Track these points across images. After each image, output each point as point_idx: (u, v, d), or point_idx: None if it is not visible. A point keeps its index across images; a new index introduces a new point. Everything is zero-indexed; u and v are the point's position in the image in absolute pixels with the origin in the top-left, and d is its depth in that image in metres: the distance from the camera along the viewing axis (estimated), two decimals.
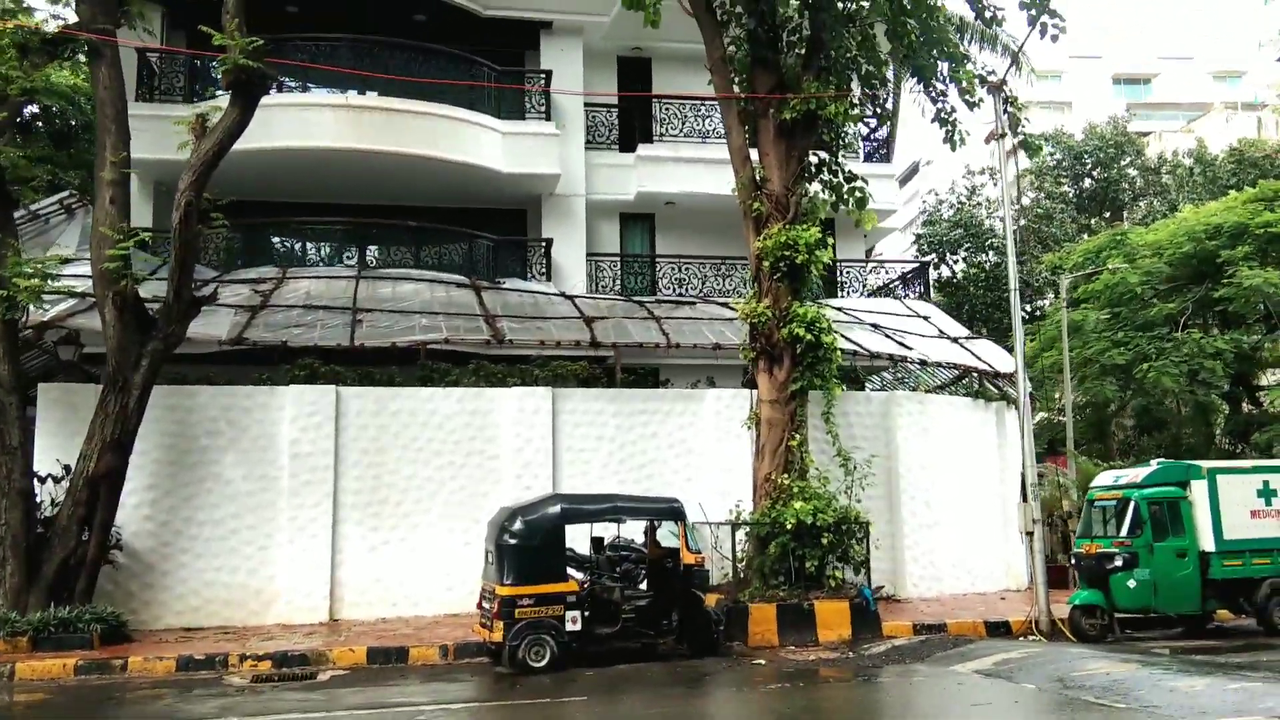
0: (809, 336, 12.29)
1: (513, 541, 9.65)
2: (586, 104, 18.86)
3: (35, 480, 11.35)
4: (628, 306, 16.16)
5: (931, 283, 33.27)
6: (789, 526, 11.44)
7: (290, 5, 17.94)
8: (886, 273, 21.12)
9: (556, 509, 9.96)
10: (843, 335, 15.15)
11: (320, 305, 13.98)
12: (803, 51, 13.56)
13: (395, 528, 12.80)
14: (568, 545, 11.52)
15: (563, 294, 16.36)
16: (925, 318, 18.12)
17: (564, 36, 18.79)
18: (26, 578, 10.74)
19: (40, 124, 25.04)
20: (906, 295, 20.08)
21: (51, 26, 12.13)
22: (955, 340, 17.17)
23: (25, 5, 12.14)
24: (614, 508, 10.60)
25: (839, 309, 17.55)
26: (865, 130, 20.77)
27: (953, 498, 14.72)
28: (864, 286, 20.32)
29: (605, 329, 14.47)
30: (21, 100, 11.61)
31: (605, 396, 13.79)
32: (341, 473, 12.72)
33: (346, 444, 12.78)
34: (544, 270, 17.53)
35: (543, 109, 17.96)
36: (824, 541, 11.45)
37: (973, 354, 16.56)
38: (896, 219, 24.40)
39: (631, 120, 19.68)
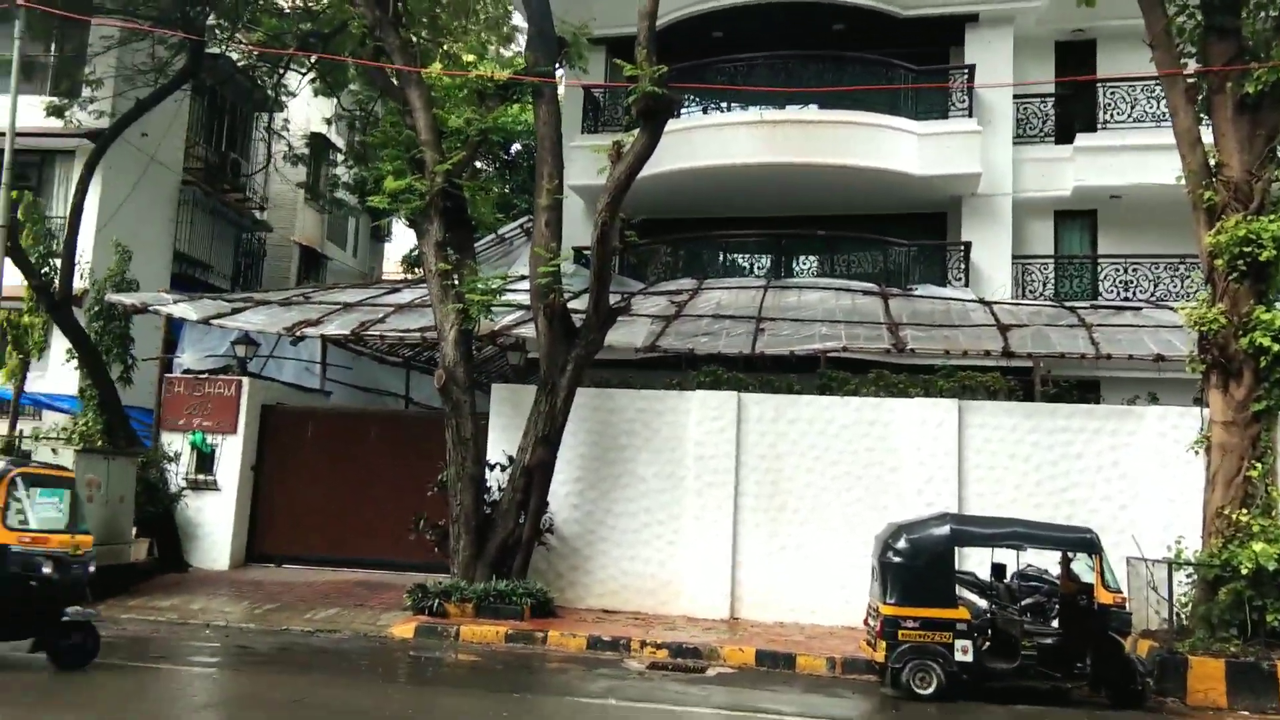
0: (1277, 347, 10.26)
1: (896, 560, 9.20)
2: (1017, 95, 17.53)
3: (486, 468, 13.04)
4: (1056, 313, 14.70)
5: None
6: (1244, 571, 9.61)
7: (715, 31, 18.83)
8: None
9: (945, 530, 9.31)
10: None
11: (727, 315, 14.48)
12: (1274, 13, 11.39)
13: (792, 534, 12.83)
14: (971, 570, 10.80)
15: (980, 300, 15.31)
16: None
17: (992, 27, 17.61)
18: (475, 552, 12.33)
19: (523, 161, 29.05)
20: None
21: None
22: None
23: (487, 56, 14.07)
24: (1012, 533, 9.63)
25: None
26: None
27: None
28: None
29: (1022, 337, 13.27)
30: (478, 140, 13.39)
31: (1020, 411, 12.65)
32: (742, 476, 13.03)
33: (747, 448, 13.07)
34: (961, 276, 16.55)
35: (964, 106, 17.00)
36: None
37: None
38: None
39: (1071, 109, 17.95)
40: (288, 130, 22.81)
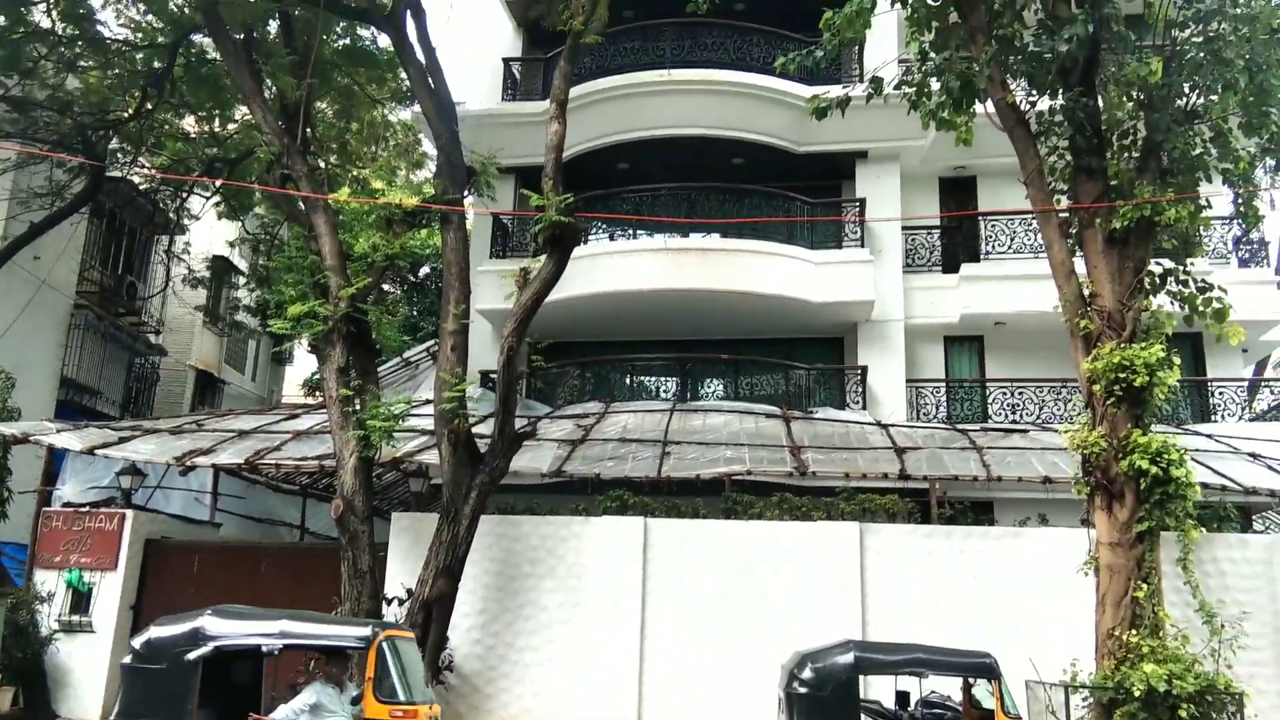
0: (1155, 470, 10.67)
1: (802, 690, 9.09)
2: (906, 227, 18.47)
3: (383, 603, 12.56)
4: (948, 435, 15.15)
5: None
6: (1136, 693, 9.74)
7: (621, 162, 19.51)
8: (1273, 393, 18.12)
9: (849, 658, 9.27)
10: (1208, 467, 13.12)
11: (634, 438, 14.52)
12: (1136, 155, 12.35)
13: (699, 662, 12.60)
14: (876, 699, 10.75)
15: (877, 423, 15.72)
16: None
17: (880, 163, 18.66)
18: None
19: (431, 283, 29.11)
20: None
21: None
22: None
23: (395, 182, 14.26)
24: (915, 659, 9.65)
25: (1209, 436, 15.28)
26: (1238, 232, 18.41)
27: None
28: (1244, 410, 17.54)
29: (918, 460, 13.62)
30: (385, 265, 13.42)
31: (919, 533, 12.87)
32: (648, 604, 12.83)
33: (653, 575, 12.92)
34: (859, 399, 17.02)
35: (857, 236, 17.82)
36: (1182, 714, 9.63)
37: None
38: None
39: (955, 240, 18.98)
40: (189, 253, 22.49)
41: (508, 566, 13.21)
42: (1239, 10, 11.20)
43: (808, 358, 18.10)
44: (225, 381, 26.54)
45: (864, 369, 17.25)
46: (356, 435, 12.36)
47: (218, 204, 20.80)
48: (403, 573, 12.99)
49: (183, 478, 16.27)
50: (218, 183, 19.23)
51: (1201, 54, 11.31)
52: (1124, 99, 12.19)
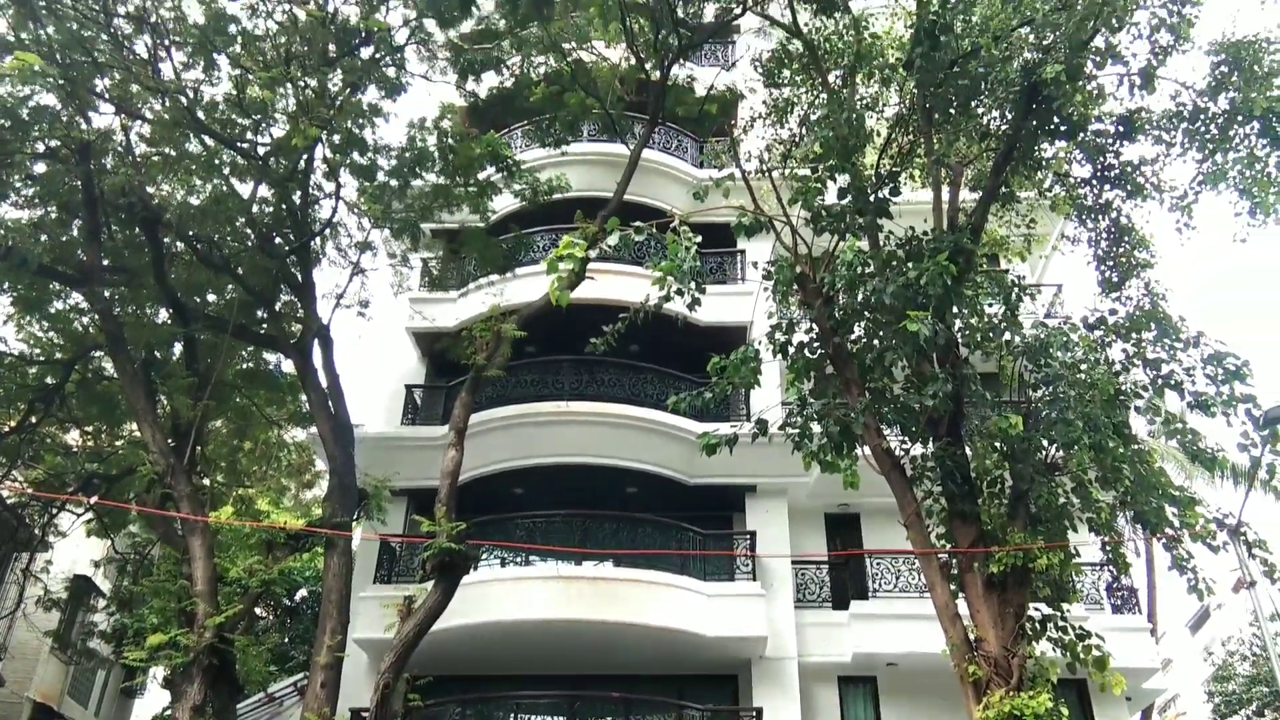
0: None
1: None
2: (795, 561, 18.68)
3: None
4: None
5: None
6: None
7: (517, 488, 19.63)
8: None
9: None
10: None
11: None
12: (1005, 502, 13.03)
13: None
14: None
15: None
16: None
17: (769, 498, 19.18)
18: None
19: (306, 608, 27.64)
20: None
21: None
22: None
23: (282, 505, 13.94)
24: None
25: None
26: (1109, 579, 19.14)
27: None
28: None
29: None
30: (260, 591, 12.80)
31: None
32: None
33: None
34: None
35: (748, 569, 17.92)
36: None
37: None
38: (1181, 674, 21.43)
39: (843, 575, 19.21)
40: (48, 572, 21.04)
41: None
42: (1081, 375, 12.40)
43: (702, 697, 17.40)
44: (65, 716, 23.88)
45: (759, 710, 16.63)
46: None
47: (89, 521, 19.82)
48: None
49: None
50: (92, 500, 18.46)
51: (1053, 413, 12.29)
52: (989, 449, 13.04)
